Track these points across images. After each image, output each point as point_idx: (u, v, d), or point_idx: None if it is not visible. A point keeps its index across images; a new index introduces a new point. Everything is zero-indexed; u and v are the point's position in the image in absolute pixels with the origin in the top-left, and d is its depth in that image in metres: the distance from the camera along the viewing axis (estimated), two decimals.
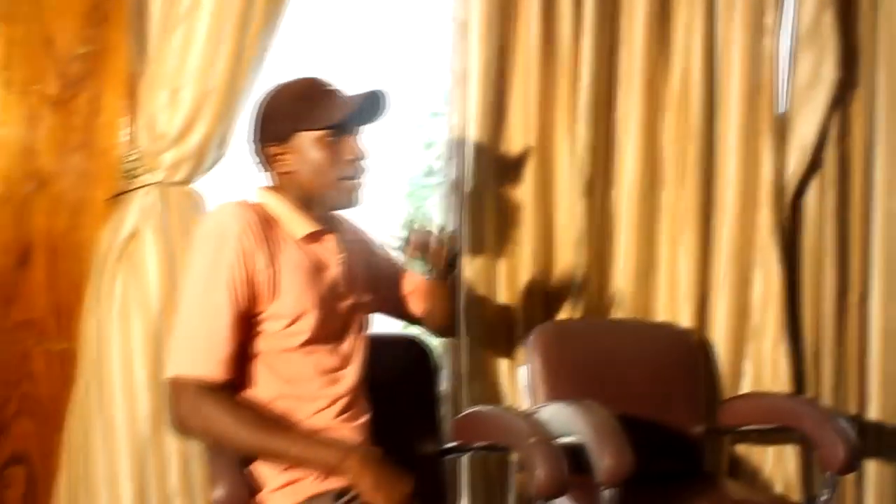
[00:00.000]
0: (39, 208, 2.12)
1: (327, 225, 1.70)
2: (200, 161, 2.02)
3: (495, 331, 2.40)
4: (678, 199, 2.55)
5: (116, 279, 1.98)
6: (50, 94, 2.10)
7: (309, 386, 1.62)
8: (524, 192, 2.44)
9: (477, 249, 2.38)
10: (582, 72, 2.43)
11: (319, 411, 1.62)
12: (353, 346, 1.70)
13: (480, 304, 2.35)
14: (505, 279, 2.45)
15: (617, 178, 2.54)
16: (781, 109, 2.61)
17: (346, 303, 1.70)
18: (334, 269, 1.68)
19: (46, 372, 2.15)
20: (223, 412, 1.50)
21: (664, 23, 2.52)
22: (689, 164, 2.53)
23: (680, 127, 2.54)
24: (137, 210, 2.00)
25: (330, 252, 1.69)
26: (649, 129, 2.52)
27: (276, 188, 1.68)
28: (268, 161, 1.67)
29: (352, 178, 1.65)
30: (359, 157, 1.64)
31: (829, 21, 2.54)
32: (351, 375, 1.68)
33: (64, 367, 2.15)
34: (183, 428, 1.54)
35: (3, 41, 2.07)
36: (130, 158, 2.03)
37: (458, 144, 2.42)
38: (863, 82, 2.66)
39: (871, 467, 2.67)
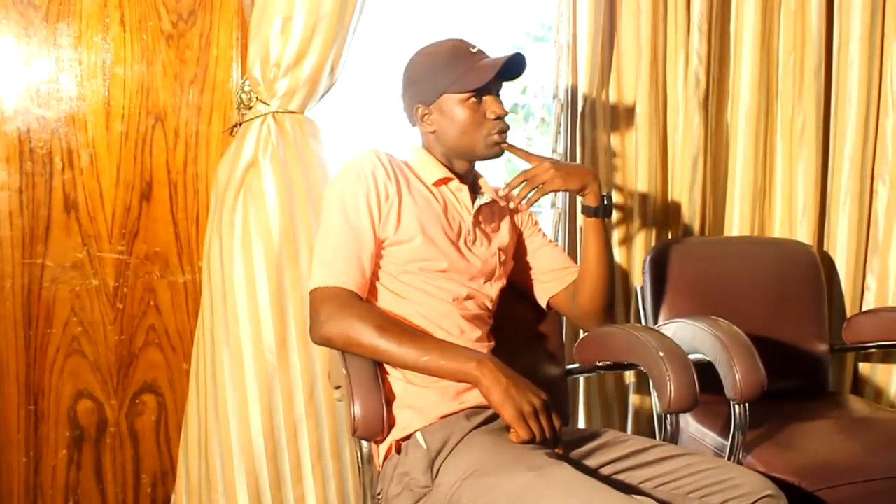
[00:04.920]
0: (158, 143, 2.16)
1: (466, 178, 1.77)
2: (314, 89, 2.01)
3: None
4: (796, 111, 2.46)
5: (237, 209, 1.99)
6: (163, 30, 2.13)
7: (433, 312, 1.65)
8: (638, 109, 2.38)
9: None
10: None
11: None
12: (480, 287, 1.74)
13: None
14: (620, 198, 2.42)
15: (733, 91, 2.46)
16: None
17: (479, 249, 1.74)
18: (465, 216, 1.74)
19: (171, 304, 2.21)
20: (361, 317, 1.55)
21: None
22: (807, 74, 2.44)
23: (797, 35, 2.44)
24: (254, 140, 2.00)
25: (462, 201, 1.75)
26: (765, 39, 2.43)
27: (424, 145, 1.78)
28: (416, 119, 1.75)
29: (494, 134, 1.70)
30: (500, 115, 1.70)
31: None
32: (476, 308, 1.72)
33: (188, 298, 2.21)
34: (323, 336, 1.58)
35: None
36: (244, 89, 2.04)
37: (569, 63, 2.37)
38: None
39: None
